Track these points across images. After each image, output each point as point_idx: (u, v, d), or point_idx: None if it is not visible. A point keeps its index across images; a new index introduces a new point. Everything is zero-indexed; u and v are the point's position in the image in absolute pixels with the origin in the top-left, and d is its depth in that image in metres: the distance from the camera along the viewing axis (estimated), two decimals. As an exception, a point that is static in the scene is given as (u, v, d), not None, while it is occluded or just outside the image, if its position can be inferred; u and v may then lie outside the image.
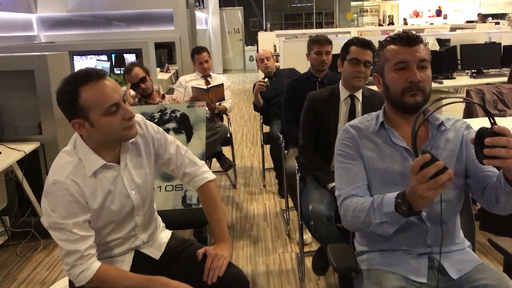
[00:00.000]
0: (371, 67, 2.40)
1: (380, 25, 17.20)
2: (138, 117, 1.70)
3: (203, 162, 1.91)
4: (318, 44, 3.19)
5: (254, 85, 4.19)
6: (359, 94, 2.54)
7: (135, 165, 1.69)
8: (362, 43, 2.45)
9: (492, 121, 1.19)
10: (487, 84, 4.17)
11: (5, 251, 3.17)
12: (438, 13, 18.91)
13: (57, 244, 1.52)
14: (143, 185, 1.70)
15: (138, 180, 1.68)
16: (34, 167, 3.22)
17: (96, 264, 1.53)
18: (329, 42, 3.24)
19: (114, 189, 1.61)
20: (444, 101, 1.27)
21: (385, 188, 1.48)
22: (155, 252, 1.79)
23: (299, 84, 3.28)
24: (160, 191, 2.54)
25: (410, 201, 1.27)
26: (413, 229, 1.49)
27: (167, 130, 2.68)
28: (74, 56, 5.85)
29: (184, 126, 2.71)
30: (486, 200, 1.46)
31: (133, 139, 1.65)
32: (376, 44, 1.68)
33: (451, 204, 1.51)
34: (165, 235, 1.88)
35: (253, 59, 15.44)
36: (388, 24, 17.22)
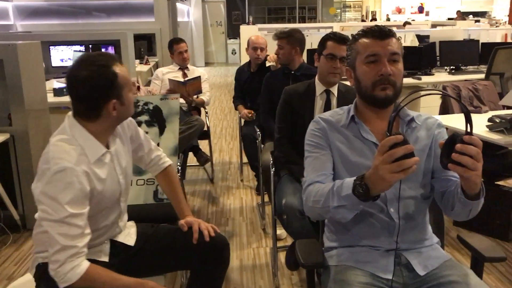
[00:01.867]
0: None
1: (363, 20, 17.27)
2: None
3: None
4: (274, 39, 3.28)
5: (237, 75, 4.13)
6: (334, 89, 2.52)
7: (121, 149, 1.72)
8: (339, 39, 2.42)
9: (467, 117, 1.18)
10: (465, 80, 4.20)
11: (-28, 245, 3.09)
12: (421, 10, 19.06)
13: (30, 238, 1.47)
14: (127, 171, 1.74)
15: (124, 165, 1.71)
16: (4, 159, 3.14)
17: (86, 263, 1.48)
18: (281, 37, 3.28)
19: (109, 175, 1.62)
20: (423, 92, 1.24)
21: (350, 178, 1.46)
22: (129, 240, 1.80)
23: (274, 77, 3.30)
24: (131, 185, 2.47)
25: (368, 184, 1.24)
26: (381, 226, 1.48)
27: (139, 123, 2.62)
28: (50, 46, 5.73)
29: (157, 119, 2.65)
30: (443, 204, 1.48)
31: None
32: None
33: (418, 201, 1.50)
34: (131, 224, 1.90)
35: (235, 53, 15.36)
36: (371, 20, 17.29)
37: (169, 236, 1.83)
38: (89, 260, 1.60)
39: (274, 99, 3.16)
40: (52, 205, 1.43)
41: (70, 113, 1.58)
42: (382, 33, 1.47)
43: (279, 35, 3.28)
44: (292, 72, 3.23)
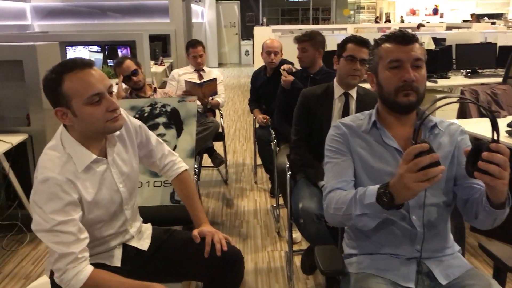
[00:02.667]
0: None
1: (377, 22, 17.17)
2: (121, 111, 1.67)
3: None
4: (296, 42, 3.24)
5: (253, 78, 4.14)
6: (353, 92, 2.51)
7: (122, 158, 1.68)
8: (359, 41, 2.41)
9: (494, 124, 1.16)
10: (482, 84, 4.15)
11: (-10, 243, 3.12)
12: (435, 11, 18.92)
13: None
14: (130, 178, 1.70)
15: (125, 173, 1.67)
16: (22, 159, 3.17)
17: (89, 268, 1.47)
18: (304, 40, 3.23)
19: (104, 183, 1.59)
20: (445, 101, 1.22)
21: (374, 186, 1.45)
22: (143, 244, 1.79)
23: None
24: (148, 186, 2.49)
25: (392, 192, 1.23)
26: (402, 233, 1.47)
27: (157, 125, 2.64)
28: (66, 47, 5.78)
29: (174, 121, 2.66)
30: (466, 212, 1.46)
31: (118, 132, 1.64)
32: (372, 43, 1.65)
33: (440, 209, 1.48)
34: (147, 227, 1.88)
35: (249, 54, 15.37)
36: (385, 22, 17.20)
37: (182, 245, 1.79)
38: (100, 265, 1.61)
39: (290, 102, 3.15)
40: (41, 214, 1.42)
41: None
42: (405, 38, 1.46)
43: (302, 38, 3.24)
44: (311, 75, 3.22)
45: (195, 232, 1.76)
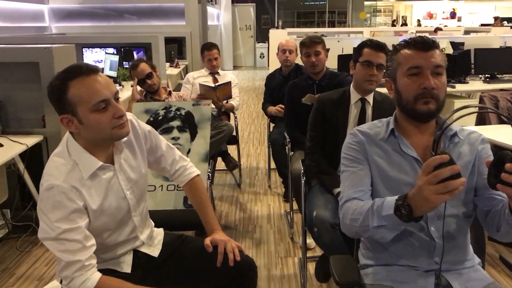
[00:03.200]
0: (384, 71, 2.33)
1: (393, 25, 17.04)
2: (129, 116, 1.66)
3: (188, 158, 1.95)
4: (305, 46, 3.15)
5: (267, 81, 4.11)
6: (370, 98, 2.46)
7: (130, 164, 1.65)
8: (376, 46, 2.37)
9: None
10: (501, 90, 4.07)
11: (5, 244, 3.14)
12: (452, 15, 18.70)
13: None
14: (138, 185, 1.68)
15: (133, 180, 1.65)
16: (37, 160, 3.19)
17: (97, 275, 1.46)
18: (317, 42, 3.15)
19: (111, 190, 1.57)
20: (466, 111, 1.17)
21: (391, 197, 1.41)
22: (153, 250, 1.77)
23: (297, 87, 3.23)
24: (161, 190, 2.48)
25: (411, 204, 1.19)
26: (420, 245, 1.42)
27: (171, 128, 2.63)
28: (83, 49, 5.83)
29: (188, 125, 2.65)
30: (488, 224, 1.41)
31: (125, 138, 1.61)
32: (391, 48, 1.61)
33: (460, 220, 1.43)
34: (158, 232, 1.86)
35: (264, 56, 15.37)
36: (402, 25, 17.05)
37: (195, 253, 1.76)
38: (111, 271, 1.59)
39: (297, 110, 3.11)
40: (47, 222, 1.41)
41: None
42: (425, 45, 1.42)
43: (315, 40, 3.16)
44: (317, 82, 3.17)
45: (207, 240, 1.73)
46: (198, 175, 1.93)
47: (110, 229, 1.59)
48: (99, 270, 1.48)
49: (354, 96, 2.46)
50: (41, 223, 1.43)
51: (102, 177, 1.54)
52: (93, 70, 1.45)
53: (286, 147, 3.43)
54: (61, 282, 1.54)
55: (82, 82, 1.42)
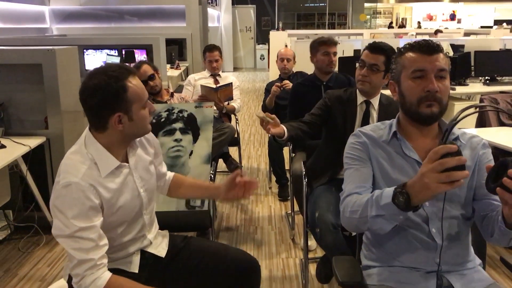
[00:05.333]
0: (382, 73, 2.34)
1: (390, 27, 17.04)
2: None
3: None
4: (325, 45, 3.16)
5: (268, 86, 4.15)
6: (375, 101, 2.46)
7: (143, 163, 1.69)
8: (373, 47, 2.38)
9: None
10: (501, 92, 4.09)
11: (7, 245, 3.15)
12: (452, 17, 18.75)
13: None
14: (149, 183, 1.71)
15: (145, 177, 1.69)
16: (39, 161, 3.20)
17: (107, 274, 1.47)
18: (336, 44, 3.20)
19: (126, 187, 1.60)
20: (470, 110, 1.19)
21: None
22: (160, 251, 1.79)
23: (304, 88, 3.24)
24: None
25: (409, 192, 1.20)
26: (422, 246, 1.44)
27: (174, 130, 2.64)
28: (84, 50, 5.84)
29: (191, 127, 2.66)
30: (483, 229, 1.43)
31: (139, 138, 1.67)
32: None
33: (460, 222, 1.45)
34: (164, 233, 1.88)
35: (264, 58, 15.39)
36: (399, 27, 17.06)
37: (198, 254, 1.80)
38: (118, 270, 1.61)
39: (303, 110, 3.12)
40: (62, 219, 1.42)
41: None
42: (430, 48, 1.43)
43: (335, 41, 3.21)
44: (325, 83, 3.19)
45: (232, 177, 1.80)
46: (174, 174, 1.99)
47: (122, 226, 1.62)
48: (108, 270, 1.49)
49: (359, 98, 2.48)
50: (56, 221, 1.44)
51: (119, 175, 1.57)
52: (134, 70, 1.55)
53: (287, 149, 3.45)
54: (69, 280, 1.55)
55: (136, 81, 1.51)
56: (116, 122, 1.49)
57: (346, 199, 1.48)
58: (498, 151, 2.76)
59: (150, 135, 1.77)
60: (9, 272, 2.81)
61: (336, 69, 4.71)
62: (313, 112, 2.55)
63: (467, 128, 3.05)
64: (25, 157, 2.96)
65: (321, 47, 3.16)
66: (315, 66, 3.23)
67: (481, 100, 3.52)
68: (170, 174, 1.96)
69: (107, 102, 1.46)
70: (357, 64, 2.47)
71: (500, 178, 1.14)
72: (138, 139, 1.68)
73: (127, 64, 2.05)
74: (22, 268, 2.86)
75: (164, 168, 1.92)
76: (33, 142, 3.01)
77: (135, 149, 1.66)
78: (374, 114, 2.45)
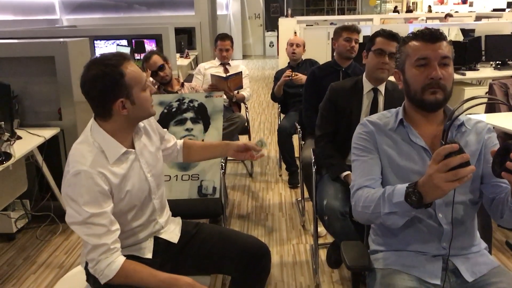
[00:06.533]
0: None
1: (396, 11, 16.80)
2: None
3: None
4: (348, 31, 3.16)
5: (277, 74, 4.18)
6: (382, 88, 2.49)
7: (148, 148, 1.74)
8: (388, 35, 2.40)
9: None
10: (511, 77, 4.07)
11: (25, 233, 3.25)
12: (464, 0, 18.46)
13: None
14: (156, 168, 1.76)
15: (152, 163, 1.74)
16: (54, 152, 3.27)
17: (121, 258, 1.54)
18: (358, 32, 3.22)
19: (133, 172, 1.65)
20: (479, 101, 1.22)
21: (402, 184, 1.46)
22: (173, 237, 1.84)
23: (322, 72, 3.25)
24: (176, 180, 2.55)
25: (421, 191, 1.24)
26: (428, 231, 1.48)
27: (185, 120, 2.69)
28: (95, 41, 5.89)
29: (201, 116, 2.71)
30: (492, 211, 1.46)
31: (142, 124, 1.73)
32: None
33: (467, 206, 1.48)
34: (177, 220, 1.94)
35: (273, 45, 15.33)
36: (406, 12, 16.83)
37: (210, 240, 1.85)
38: (133, 257, 1.66)
39: (320, 94, 3.14)
40: (74, 207, 1.48)
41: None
42: (433, 36, 1.46)
43: (358, 29, 3.23)
44: (343, 69, 3.21)
45: (238, 145, 2.02)
46: (183, 140, 2.09)
47: (134, 210, 1.67)
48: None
49: (367, 86, 2.49)
50: (68, 209, 1.50)
51: (125, 161, 1.62)
52: (128, 57, 1.59)
53: (297, 136, 3.48)
54: (86, 266, 1.61)
55: (131, 66, 1.55)
56: (120, 107, 1.54)
57: (357, 192, 1.51)
58: (507, 136, 2.78)
59: (152, 121, 1.83)
60: (28, 260, 2.90)
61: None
62: (323, 123, 2.60)
63: (477, 114, 3.06)
64: (40, 148, 3.03)
65: (343, 32, 3.18)
66: (336, 51, 3.24)
67: (490, 86, 3.51)
68: (180, 142, 2.06)
69: (108, 90, 1.51)
70: (365, 52, 2.49)
71: (505, 162, 1.17)
72: (142, 125, 1.72)
73: (137, 54, 2.14)
74: (40, 256, 2.95)
75: (171, 142, 2.00)
76: (48, 133, 3.08)
77: (141, 136, 1.71)
78: (381, 101, 2.47)
